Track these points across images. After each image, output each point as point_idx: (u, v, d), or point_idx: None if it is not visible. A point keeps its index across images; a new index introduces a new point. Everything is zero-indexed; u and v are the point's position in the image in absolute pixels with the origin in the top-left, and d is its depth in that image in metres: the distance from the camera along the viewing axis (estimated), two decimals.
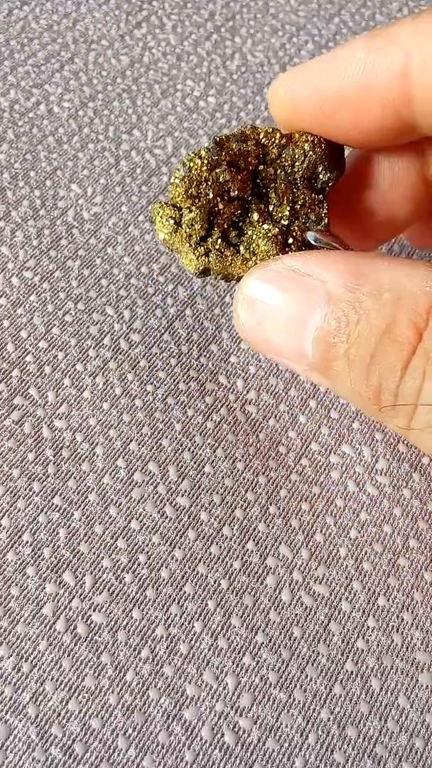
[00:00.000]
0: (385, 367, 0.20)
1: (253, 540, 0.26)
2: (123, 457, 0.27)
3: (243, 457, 0.27)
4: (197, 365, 0.29)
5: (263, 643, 0.24)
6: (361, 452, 0.28)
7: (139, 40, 0.39)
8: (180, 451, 0.27)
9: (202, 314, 0.31)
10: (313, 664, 0.24)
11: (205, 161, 0.23)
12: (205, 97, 0.37)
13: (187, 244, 0.23)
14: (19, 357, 0.29)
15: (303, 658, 0.24)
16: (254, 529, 0.26)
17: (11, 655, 0.23)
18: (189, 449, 0.27)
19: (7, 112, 0.36)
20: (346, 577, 0.26)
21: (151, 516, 0.26)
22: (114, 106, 0.37)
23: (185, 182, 0.23)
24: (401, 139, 0.24)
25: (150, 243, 0.32)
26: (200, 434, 0.28)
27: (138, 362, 0.29)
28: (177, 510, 0.26)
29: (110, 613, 0.24)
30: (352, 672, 0.24)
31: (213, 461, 0.27)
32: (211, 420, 0.28)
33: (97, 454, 0.27)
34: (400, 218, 0.26)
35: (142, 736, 0.23)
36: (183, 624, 0.24)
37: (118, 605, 0.24)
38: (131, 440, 0.27)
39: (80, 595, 0.24)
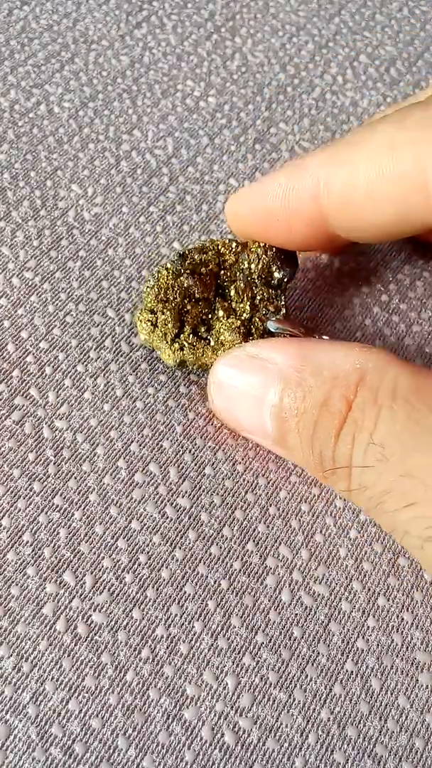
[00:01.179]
0: (324, 436, 0.23)
1: (253, 540, 0.26)
2: (124, 458, 0.27)
3: (243, 459, 0.27)
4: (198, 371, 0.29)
5: (263, 643, 0.24)
6: None
7: (139, 40, 0.39)
8: (181, 452, 0.27)
9: None
10: (313, 664, 0.24)
11: (171, 271, 0.28)
12: (206, 98, 0.37)
13: (164, 342, 0.27)
14: (19, 357, 0.29)
15: (303, 658, 0.24)
16: (254, 529, 0.26)
17: (11, 655, 0.23)
18: (190, 451, 0.27)
19: (7, 112, 0.36)
20: (346, 577, 0.26)
21: (151, 516, 0.26)
22: (114, 106, 0.37)
23: (155, 290, 0.28)
24: (331, 243, 0.28)
25: (151, 246, 0.32)
26: (201, 437, 0.28)
27: (139, 365, 0.29)
28: (177, 510, 0.26)
29: (110, 613, 0.24)
30: (352, 672, 0.24)
31: (213, 463, 0.27)
32: (212, 424, 0.28)
33: (98, 454, 0.27)
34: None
35: (142, 736, 0.23)
36: (183, 624, 0.24)
37: (118, 605, 0.24)
38: (132, 441, 0.27)
39: (80, 595, 0.24)
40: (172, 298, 0.28)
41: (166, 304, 0.28)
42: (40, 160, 0.34)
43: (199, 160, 0.35)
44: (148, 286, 0.28)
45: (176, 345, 0.27)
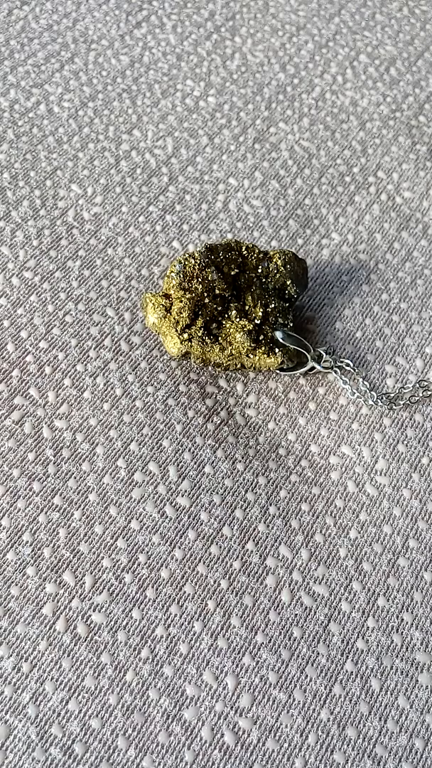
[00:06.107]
0: None
1: (253, 540, 0.26)
2: (123, 457, 0.27)
3: (243, 458, 0.27)
4: (197, 368, 0.29)
5: (263, 643, 0.24)
6: (360, 453, 0.28)
7: (139, 40, 0.39)
8: (180, 451, 0.27)
9: None
10: (312, 664, 0.24)
11: (198, 262, 0.28)
12: (205, 97, 0.37)
13: (174, 330, 0.28)
14: (19, 357, 0.29)
15: (303, 658, 0.24)
16: (254, 529, 0.26)
17: (11, 655, 0.23)
18: (189, 450, 0.27)
19: (7, 112, 0.36)
20: (346, 577, 0.26)
21: (151, 516, 0.26)
22: (114, 106, 0.37)
23: (180, 276, 0.28)
24: None
25: (150, 245, 0.32)
26: (200, 435, 0.28)
27: (138, 364, 0.29)
28: (177, 510, 0.26)
29: (110, 613, 0.24)
30: (352, 672, 0.24)
31: (213, 462, 0.27)
32: (212, 422, 0.28)
33: (98, 454, 0.27)
34: None
35: (142, 736, 0.23)
36: (183, 624, 0.24)
37: (118, 605, 0.24)
38: (132, 440, 0.27)
39: (80, 595, 0.24)
40: (194, 288, 0.28)
41: (186, 293, 0.28)
42: (40, 160, 0.34)
43: (198, 160, 0.35)
44: (173, 271, 0.28)
45: (185, 335, 0.28)
